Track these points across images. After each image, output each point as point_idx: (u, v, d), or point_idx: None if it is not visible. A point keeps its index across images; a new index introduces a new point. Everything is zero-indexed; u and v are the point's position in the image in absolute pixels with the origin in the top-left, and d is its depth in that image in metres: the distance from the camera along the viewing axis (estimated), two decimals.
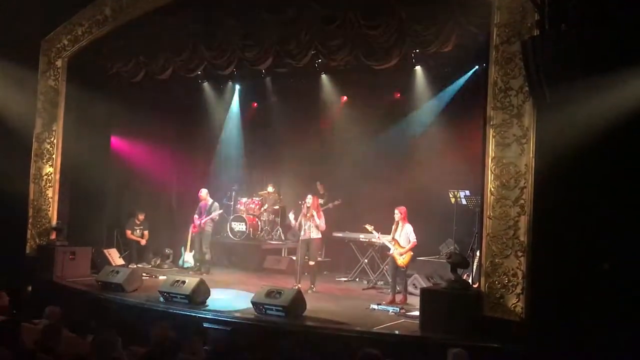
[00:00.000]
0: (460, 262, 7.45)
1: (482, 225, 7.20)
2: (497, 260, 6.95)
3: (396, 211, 9.07)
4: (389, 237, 9.14)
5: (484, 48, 7.45)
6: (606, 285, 6.42)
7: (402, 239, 8.97)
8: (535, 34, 6.60)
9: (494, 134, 7.10)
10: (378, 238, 9.73)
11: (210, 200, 11.53)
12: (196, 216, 11.50)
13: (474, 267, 8.55)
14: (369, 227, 9.69)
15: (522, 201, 6.87)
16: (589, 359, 6.14)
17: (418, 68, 10.69)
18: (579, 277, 6.49)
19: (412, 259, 9.24)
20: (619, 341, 6.11)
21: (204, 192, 11.62)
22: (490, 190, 7.08)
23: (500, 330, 6.69)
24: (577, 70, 6.10)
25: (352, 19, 8.24)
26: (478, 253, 7.88)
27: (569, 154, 6.47)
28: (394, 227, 9.10)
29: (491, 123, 7.13)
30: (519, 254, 6.83)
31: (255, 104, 13.92)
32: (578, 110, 6.44)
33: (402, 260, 8.91)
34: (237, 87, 13.40)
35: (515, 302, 6.79)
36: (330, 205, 12.08)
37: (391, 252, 9.07)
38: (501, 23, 7.11)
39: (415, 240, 8.95)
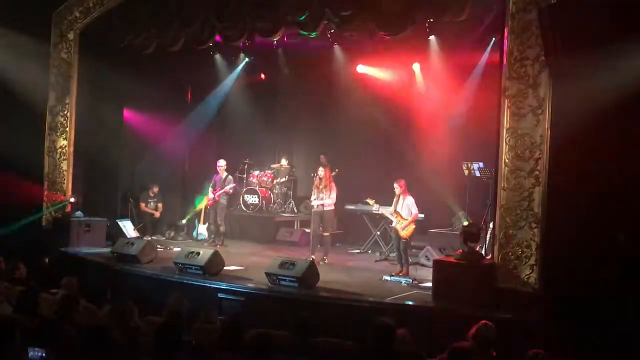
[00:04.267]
0: (473, 233, 7.44)
1: (496, 197, 7.17)
2: (510, 232, 6.94)
3: (395, 185, 9.04)
4: (391, 209, 9.14)
5: (499, 16, 7.32)
6: (620, 256, 6.39)
7: (403, 211, 8.97)
8: (552, 1, 6.47)
9: (509, 105, 7.02)
10: (378, 209, 9.72)
11: (225, 174, 11.54)
12: (211, 189, 11.50)
13: (487, 238, 8.54)
14: (370, 202, 9.72)
15: (536, 172, 6.82)
16: (602, 330, 6.15)
17: (432, 38, 10.52)
18: (593, 248, 6.47)
19: (417, 231, 9.24)
20: (632, 312, 6.10)
21: (222, 163, 11.55)
22: (505, 161, 7.03)
23: (513, 301, 6.71)
24: (594, 39, 5.99)
25: None
26: (491, 225, 7.86)
27: (585, 124, 6.38)
28: (395, 199, 9.09)
29: (506, 93, 7.04)
30: (533, 225, 6.81)
31: (266, 76, 13.79)
32: (595, 80, 6.33)
33: (404, 232, 8.92)
34: (249, 59, 13.26)
35: (529, 273, 6.79)
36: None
37: (393, 224, 9.09)
38: None
39: (417, 211, 8.95)
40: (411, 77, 11.88)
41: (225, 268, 8.66)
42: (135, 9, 10.26)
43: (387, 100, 11.93)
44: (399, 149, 11.66)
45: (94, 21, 10.71)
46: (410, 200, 8.98)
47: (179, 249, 9.77)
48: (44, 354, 4.02)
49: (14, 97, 10.50)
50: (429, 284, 7.64)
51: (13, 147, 10.38)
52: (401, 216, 8.96)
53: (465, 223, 9.20)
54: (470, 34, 9.42)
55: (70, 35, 10.90)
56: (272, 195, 13.12)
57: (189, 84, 13.01)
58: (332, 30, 9.58)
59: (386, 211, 9.39)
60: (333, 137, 12.88)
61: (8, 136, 10.31)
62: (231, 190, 11.64)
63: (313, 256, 9.66)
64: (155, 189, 12.34)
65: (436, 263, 7.58)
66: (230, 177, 11.59)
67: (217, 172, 11.54)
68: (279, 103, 13.66)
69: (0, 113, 10.61)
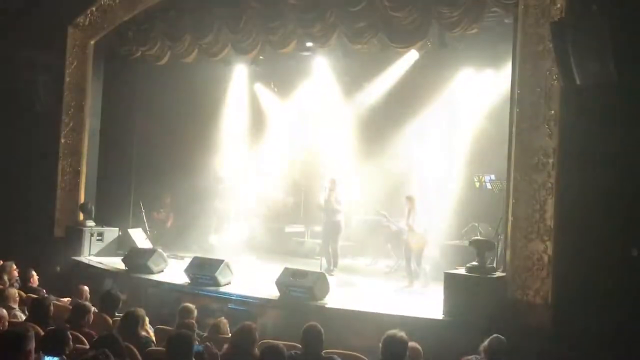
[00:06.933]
0: (484, 246, 7.40)
1: (507, 209, 7.14)
2: (522, 244, 6.90)
3: (406, 199, 9.11)
4: (402, 223, 9.15)
5: (511, 30, 7.33)
6: (633, 270, 6.33)
7: (415, 224, 8.98)
8: (565, 15, 6.47)
9: (521, 116, 7.00)
10: (391, 223, 9.74)
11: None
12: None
13: (499, 251, 8.49)
14: (383, 213, 9.75)
15: (548, 185, 6.78)
16: (614, 344, 6.09)
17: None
18: (606, 261, 6.42)
19: (429, 244, 9.23)
20: None
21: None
22: (517, 173, 7.00)
23: (524, 313, 6.66)
24: (607, 53, 5.98)
25: (377, 0, 8.16)
26: (502, 237, 7.82)
27: (597, 136, 6.37)
28: (406, 213, 9.11)
29: (518, 105, 7.02)
30: (545, 237, 6.76)
31: (277, 86, 13.83)
32: (607, 92, 6.32)
33: (416, 246, 8.96)
34: (261, 69, 13.29)
35: (540, 286, 6.74)
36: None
37: (405, 238, 9.09)
38: (529, 4, 6.95)
39: (428, 225, 8.97)
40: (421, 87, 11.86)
41: (235, 278, 8.66)
42: (149, 20, 10.40)
43: (398, 111, 11.95)
44: (410, 161, 11.65)
45: (109, 32, 10.84)
46: (421, 214, 8.99)
47: (190, 258, 9.78)
48: None
49: (29, 106, 10.63)
50: (440, 297, 7.59)
51: (28, 155, 10.51)
52: (413, 230, 8.97)
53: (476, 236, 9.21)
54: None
55: (86, 47, 11.03)
56: (283, 206, 13.13)
57: (202, 94, 13.03)
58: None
59: (398, 225, 9.40)
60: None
61: (23, 144, 10.43)
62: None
63: (332, 267, 9.70)
64: (167, 199, 12.40)
65: (447, 276, 7.53)
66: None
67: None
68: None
69: (16, 122, 10.74)
